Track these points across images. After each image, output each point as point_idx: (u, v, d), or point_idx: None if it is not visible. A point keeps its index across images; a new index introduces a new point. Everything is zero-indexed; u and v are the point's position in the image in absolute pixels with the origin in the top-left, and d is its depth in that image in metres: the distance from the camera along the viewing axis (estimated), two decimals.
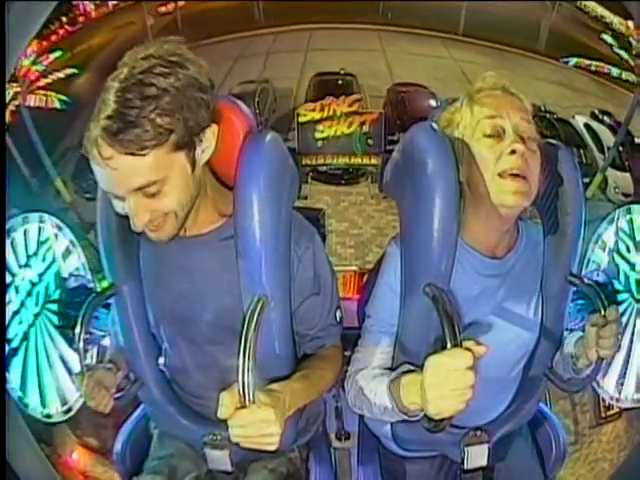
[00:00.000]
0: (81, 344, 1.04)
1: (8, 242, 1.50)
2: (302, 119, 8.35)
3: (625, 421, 3.15)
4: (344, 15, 11.45)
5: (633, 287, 1.61)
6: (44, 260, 1.63)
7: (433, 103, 8.69)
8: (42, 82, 9.38)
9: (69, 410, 1.68)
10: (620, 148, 8.60)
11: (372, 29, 12.21)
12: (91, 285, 1.72)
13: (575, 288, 1.13)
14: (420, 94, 9.45)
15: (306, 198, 7.90)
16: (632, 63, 9.54)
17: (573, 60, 10.76)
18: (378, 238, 7.77)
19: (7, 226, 1.48)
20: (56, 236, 1.67)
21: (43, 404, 1.62)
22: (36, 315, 1.62)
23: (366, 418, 1.28)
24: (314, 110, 8.39)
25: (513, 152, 1.00)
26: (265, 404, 0.89)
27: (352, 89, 9.36)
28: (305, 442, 1.30)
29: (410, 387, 0.95)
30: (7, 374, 1.48)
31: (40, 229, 1.62)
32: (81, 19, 12.37)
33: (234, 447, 0.95)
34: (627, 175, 8.51)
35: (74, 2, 11.94)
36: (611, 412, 3.26)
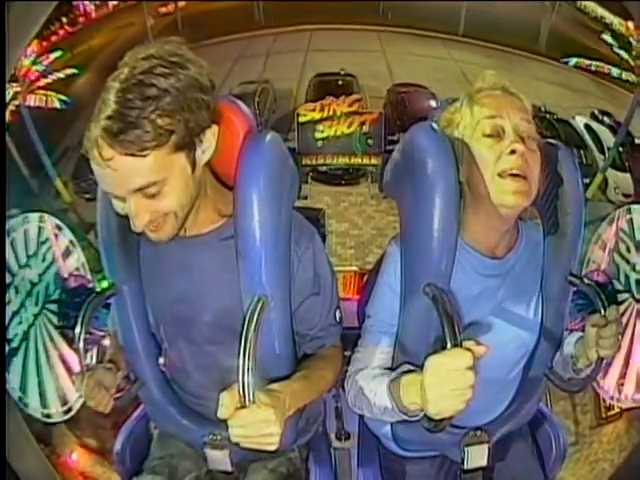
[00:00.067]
0: (81, 344, 1.04)
1: (8, 242, 1.50)
2: (302, 119, 8.36)
3: (626, 421, 3.15)
4: (344, 16, 11.47)
5: (633, 287, 1.61)
6: (44, 260, 1.63)
7: (433, 104, 8.70)
8: (42, 82, 9.39)
9: (69, 410, 1.67)
10: (620, 149, 8.61)
11: (372, 30, 12.24)
12: (91, 285, 1.72)
13: (575, 288, 1.13)
14: (420, 94, 9.46)
15: (306, 198, 7.91)
16: (632, 63, 9.55)
17: (573, 60, 10.77)
18: (378, 239, 7.78)
19: (7, 226, 1.48)
20: (56, 236, 1.67)
21: (43, 404, 1.62)
22: (36, 315, 1.62)
23: (366, 418, 1.28)
24: (314, 110, 8.40)
25: (513, 152, 1.00)
26: (265, 404, 0.89)
27: (352, 90, 9.38)
28: (305, 442, 1.30)
29: (410, 387, 0.94)
30: (7, 374, 1.48)
31: (40, 229, 1.62)
32: (81, 20, 12.40)
33: (234, 447, 0.95)
34: (627, 175, 8.51)
35: (74, 3, 11.94)
36: (612, 412, 3.26)
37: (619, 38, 10.32)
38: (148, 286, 1.14)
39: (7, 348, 1.49)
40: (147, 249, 1.12)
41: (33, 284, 1.60)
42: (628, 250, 1.62)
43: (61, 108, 9.29)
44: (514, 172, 0.99)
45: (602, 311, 1.00)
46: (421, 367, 0.88)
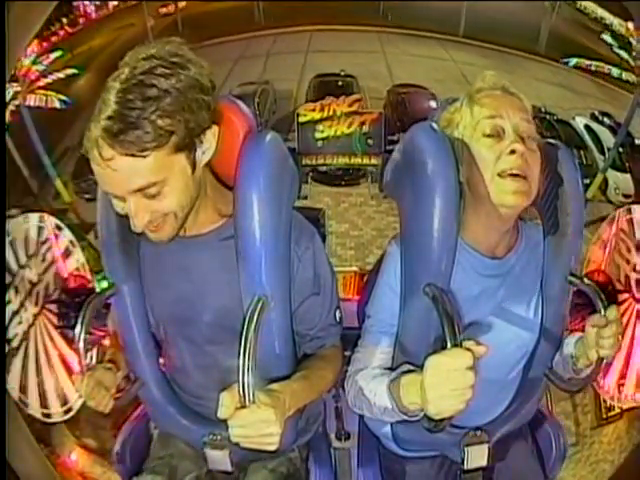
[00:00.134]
0: (81, 344, 1.04)
1: (8, 242, 1.50)
2: (302, 119, 8.37)
3: (626, 422, 3.15)
4: (344, 17, 11.47)
5: (633, 287, 1.61)
6: (44, 260, 1.63)
7: (433, 104, 8.70)
8: (42, 82, 9.40)
9: (69, 410, 1.67)
10: (620, 149, 8.62)
11: (372, 31, 12.24)
12: (91, 285, 1.72)
13: (575, 288, 1.13)
14: (420, 95, 9.46)
15: (306, 198, 7.91)
16: (632, 63, 9.55)
17: (573, 60, 10.77)
18: (378, 239, 7.78)
19: (7, 226, 1.48)
20: (56, 236, 1.67)
21: (43, 404, 1.62)
22: (36, 315, 1.62)
23: (366, 418, 1.28)
24: (314, 110, 8.41)
25: (513, 152, 1.00)
26: (265, 404, 0.89)
27: (352, 90, 9.38)
28: (305, 442, 1.29)
29: (410, 387, 0.94)
30: (7, 374, 1.47)
31: (40, 229, 1.62)
32: (81, 20, 12.40)
33: (234, 447, 0.95)
34: (627, 176, 8.52)
35: (74, 3, 11.95)
36: (612, 413, 3.26)
37: (619, 38, 10.33)
38: (148, 286, 1.13)
39: (7, 348, 1.49)
40: (147, 249, 1.12)
41: (33, 284, 1.60)
42: (628, 250, 1.62)
43: (61, 108, 9.29)
44: (514, 172, 0.99)
45: (602, 311, 1.00)
46: (421, 367, 0.88)
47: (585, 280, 1.10)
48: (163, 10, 12.37)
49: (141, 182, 0.89)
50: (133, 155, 0.86)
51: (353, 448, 1.49)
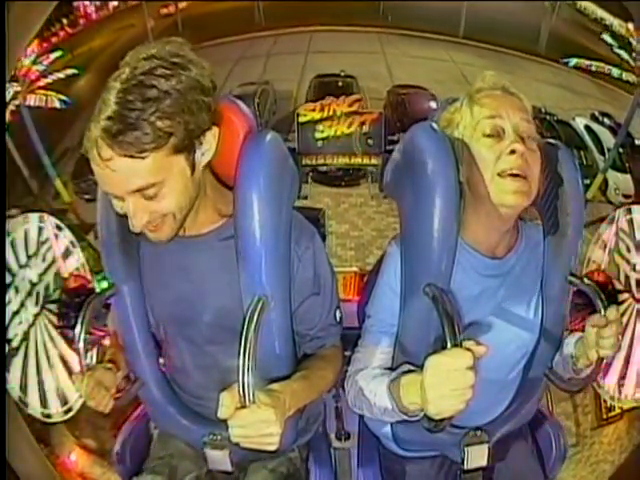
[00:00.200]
0: (81, 344, 1.04)
1: (8, 242, 1.50)
2: (302, 119, 8.37)
3: (626, 422, 3.15)
4: (344, 17, 11.48)
5: (633, 287, 1.61)
6: (44, 260, 1.63)
7: (433, 105, 8.70)
8: (42, 82, 9.41)
9: (69, 410, 1.67)
10: (620, 150, 8.62)
11: (372, 31, 12.24)
12: (91, 285, 1.72)
13: (575, 288, 1.13)
14: (420, 96, 9.47)
15: (306, 198, 7.91)
16: (632, 64, 9.56)
17: (573, 61, 10.78)
18: (378, 240, 7.78)
19: (7, 226, 1.48)
20: (56, 236, 1.67)
21: (43, 404, 1.62)
22: (36, 315, 1.62)
23: (366, 418, 1.28)
24: (314, 110, 8.41)
25: (513, 152, 1.00)
26: (265, 404, 0.89)
27: (352, 91, 9.38)
28: (305, 442, 1.29)
29: (410, 387, 0.94)
30: (7, 374, 1.47)
31: (40, 229, 1.62)
32: (82, 21, 12.40)
33: (234, 447, 0.95)
34: (627, 176, 8.53)
35: (75, 4, 11.96)
36: (612, 413, 3.26)
37: (619, 39, 10.34)
38: (148, 286, 1.13)
39: (7, 348, 1.49)
40: (147, 249, 1.12)
41: (33, 284, 1.60)
42: (628, 250, 1.62)
43: (61, 108, 9.30)
44: (514, 172, 0.99)
45: (602, 311, 1.00)
46: (421, 367, 0.88)
47: (585, 280, 1.10)
48: (163, 11, 12.37)
49: (139, 183, 0.89)
50: (132, 156, 0.86)
51: (353, 448, 1.49)
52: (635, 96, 8.90)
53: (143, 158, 0.87)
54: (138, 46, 0.92)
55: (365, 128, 8.41)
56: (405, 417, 0.99)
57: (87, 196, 7.49)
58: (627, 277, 1.63)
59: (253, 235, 1.01)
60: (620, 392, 1.68)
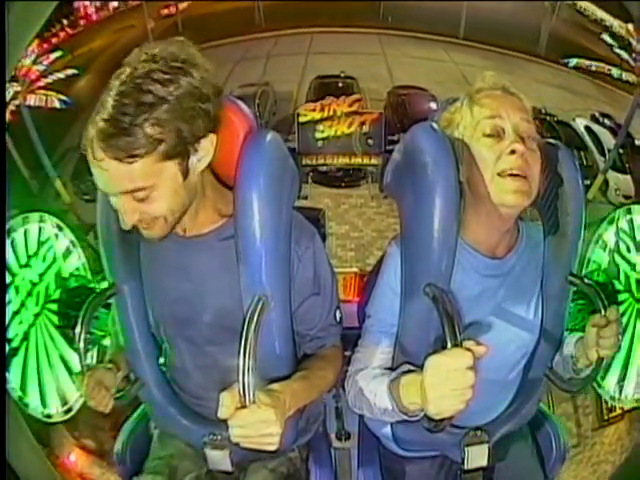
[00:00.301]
0: (81, 344, 1.04)
1: (8, 242, 1.50)
2: (302, 119, 8.38)
3: (627, 423, 3.15)
4: (345, 18, 11.50)
5: (633, 287, 1.61)
6: (44, 260, 1.63)
7: (433, 106, 8.70)
8: (42, 82, 9.42)
9: (69, 410, 1.67)
10: (620, 150, 8.63)
11: (372, 33, 12.26)
12: (91, 285, 1.72)
13: (575, 288, 1.13)
14: (420, 97, 9.47)
15: (306, 198, 7.91)
16: (632, 64, 9.57)
17: (574, 61, 10.79)
18: (379, 241, 7.78)
19: (7, 226, 1.48)
20: (56, 236, 1.67)
21: (43, 404, 1.62)
22: (36, 315, 1.62)
23: (366, 418, 1.28)
24: (314, 110, 8.41)
25: (513, 152, 1.00)
26: (265, 404, 0.89)
27: (352, 92, 9.39)
28: (305, 442, 1.29)
29: (410, 387, 0.94)
30: (7, 374, 1.47)
31: (40, 229, 1.62)
32: (82, 22, 12.42)
33: (234, 447, 0.95)
34: (628, 177, 8.53)
35: (75, 5, 11.97)
36: (613, 414, 3.26)
37: (619, 39, 10.35)
38: (148, 286, 1.14)
39: (7, 348, 1.49)
40: (147, 249, 1.12)
41: (33, 284, 1.60)
42: (628, 250, 1.62)
43: (61, 108, 9.31)
44: (514, 172, 0.99)
45: (602, 311, 1.00)
46: (421, 367, 0.88)
47: (585, 280, 1.10)
48: (164, 12, 12.39)
49: (128, 186, 0.90)
50: (120, 160, 0.87)
51: (353, 448, 1.49)
52: (635, 96, 8.90)
53: (131, 163, 0.87)
54: (143, 44, 0.92)
55: (365, 128, 8.42)
56: (405, 417, 0.99)
57: (87, 197, 7.49)
58: (627, 277, 1.63)
59: (253, 235, 1.01)
60: (620, 392, 1.68)
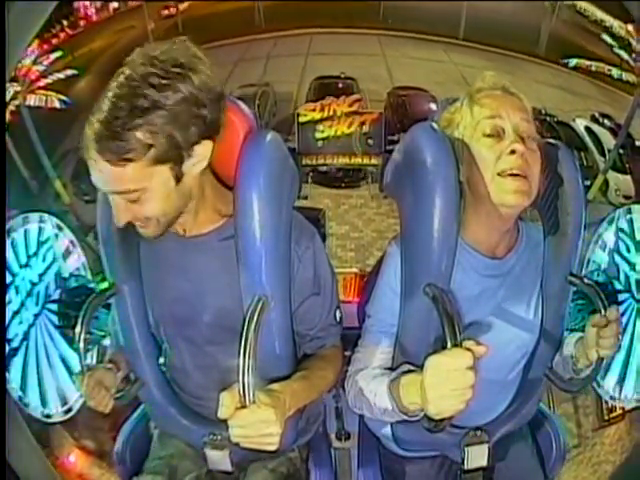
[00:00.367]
0: (81, 344, 1.04)
1: (8, 242, 1.50)
2: (302, 119, 8.39)
3: (628, 423, 3.15)
4: (345, 19, 11.52)
5: (633, 287, 1.61)
6: (44, 260, 1.63)
7: (433, 106, 8.70)
8: (42, 82, 9.43)
9: (69, 410, 1.67)
10: (621, 150, 8.63)
11: (372, 34, 12.28)
12: (91, 285, 1.72)
13: (575, 288, 1.13)
14: (420, 97, 9.49)
15: (306, 198, 7.92)
16: (632, 64, 9.57)
17: (574, 61, 10.80)
18: (379, 241, 7.79)
19: (7, 226, 1.48)
20: (56, 236, 1.67)
21: (43, 404, 1.61)
22: (36, 315, 1.62)
23: (366, 418, 1.28)
24: (314, 110, 8.42)
25: (513, 152, 1.00)
26: (265, 404, 0.89)
27: (352, 93, 9.40)
28: (305, 442, 1.29)
29: (410, 387, 0.94)
30: (7, 374, 1.47)
31: (40, 229, 1.62)
32: (82, 22, 12.43)
33: (234, 447, 0.95)
34: (628, 177, 8.54)
35: (75, 5, 11.98)
36: (614, 414, 3.26)
37: (619, 39, 10.36)
38: (148, 286, 1.14)
39: (7, 348, 1.49)
40: (147, 249, 1.12)
41: (33, 284, 1.60)
42: (628, 250, 1.62)
43: (61, 108, 9.31)
44: (514, 172, 0.99)
45: (602, 311, 1.00)
46: (421, 367, 0.88)
47: (585, 280, 1.10)
48: (164, 12, 12.40)
49: (119, 187, 0.91)
50: (112, 162, 0.87)
51: (353, 448, 1.49)
52: (635, 97, 8.91)
53: (122, 166, 0.88)
54: (146, 44, 0.92)
55: (365, 128, 8.43)
56: (405, 417, 0.99)
57: (87, 197, 7.49)
58: (627, 277, 1.62)
59: (253, 235, 1.01)
60: (620, 392, 1.68)
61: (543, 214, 1.15)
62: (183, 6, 12.40)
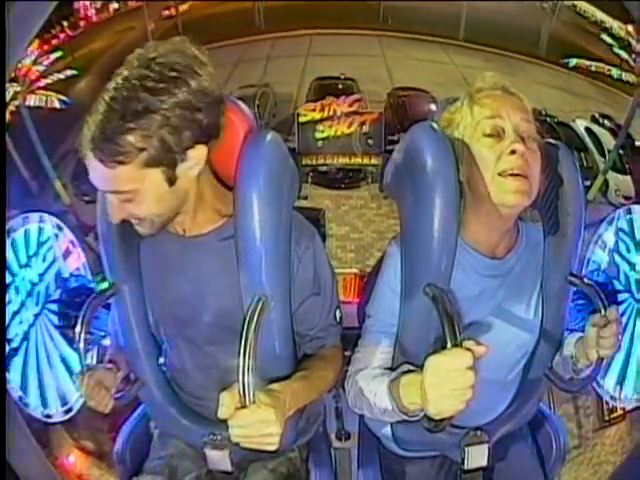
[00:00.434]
0: (81, 344, 1.04)
1: (8, 242, 1.50)
2: (302, 119, 8.38)
3: (628, 423, 3.15)
4: (345, 20, 11.51)
5: (633, 287, 1.61)
6: (44, 260, 1.63)
7: (434, 107, 8.69)
8: (42, 82, 9.42)
9: (69, 410, 1.67)
10: (621, 151, 8.63)
11: (372, 34, 12.27)
12: (91, 285, 1.72)
13: (575, 288, 1.13)
14: (421, 98, 9.48)
15: (306, 198, 7.91)
16: (632, 64, 9.58)
17: (574, 61, 10.80)
18: (379, 242, 7.78)
19: (7, 226, 1.48)
20: (56, 236, 1.67)
21: (43, 404, 1.62)
22: (36, 315, 1.62)
23: (366, 418, 1.28)
24: (314, 110, 8.42)
25: (513, 152, 1.00)
26: (265, 404, 0.89)
27: (352, 93, 9.39)
28: (305, 442, 1.29)
29: (410, 387, 0.94)
30: (7, 374, 1.47)
31: (40, 229, 1.62)
32: (82, 23, 12.43)
33: (234, 447, 0.95)
34: (628, 178, 8.54)
35: (75, 6, 11.98)
36: (614, 415, 3.26)
37: (619, 39, 10.36)
38: (148, 286, 1.14)
39: (7, 348, 1.49)
40: (147, 249, 1.12)
41: (33, 284, 1.60)
42: (628, 250, 1.62)
43: (61, 108, 9.31)
44: (514, 172, 0.99)
45: (602, 311, 1.00)
46: (421, 367, 0.88)
47: (585, 280, 1.10)
48: (164, 13, 12.40)
49: (111, 188, 0.92)
50: (104, 163, 0.88)
51: (353, 448, 1.49)
52: (635, 97, 8.92)
53: (113, 167, 0.89)
54: (147, 44, 0.92)
55: (365, 128, 8.43)
56: (405, 417, 0.99)
57: (87, 198, 7.49)
58: (627, 277, 1.63)
59: (253, 235, 1.01)
60: (620, 392, 1.68)
61: (543, 214, 1.15)
62: (183, 7, 12.39)
